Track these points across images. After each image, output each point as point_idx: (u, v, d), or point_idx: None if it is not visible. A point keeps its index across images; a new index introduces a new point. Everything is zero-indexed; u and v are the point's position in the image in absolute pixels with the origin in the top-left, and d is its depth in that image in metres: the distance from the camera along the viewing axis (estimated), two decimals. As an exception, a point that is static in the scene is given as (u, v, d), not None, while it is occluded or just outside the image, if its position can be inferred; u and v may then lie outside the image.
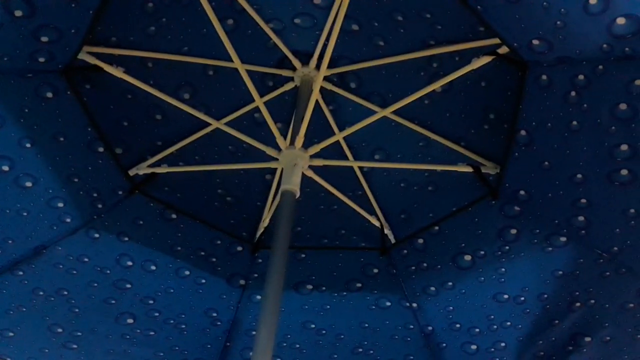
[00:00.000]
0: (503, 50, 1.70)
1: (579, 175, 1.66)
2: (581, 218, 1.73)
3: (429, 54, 1.88)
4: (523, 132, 1.76)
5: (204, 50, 1.94)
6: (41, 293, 1.88)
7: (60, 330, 1.91)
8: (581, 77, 1.52)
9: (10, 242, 1.80)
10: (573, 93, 1.56)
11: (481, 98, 1.91)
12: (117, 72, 1.82)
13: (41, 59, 1.66)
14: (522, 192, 1.86)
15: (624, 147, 1.53)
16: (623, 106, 1.48)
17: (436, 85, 1.79)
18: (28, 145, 1.74)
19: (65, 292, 1.91)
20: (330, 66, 1.91)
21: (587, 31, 1.38)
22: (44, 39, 1.60)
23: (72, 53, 1.73)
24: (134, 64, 1.91)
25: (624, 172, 1.57)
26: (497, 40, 1.70)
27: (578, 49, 1.46)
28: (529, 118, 1.72)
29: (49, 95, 1.75)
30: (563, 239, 1.81)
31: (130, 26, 1.84)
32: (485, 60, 1.72)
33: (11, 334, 1.85)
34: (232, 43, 1.71)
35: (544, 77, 1.62)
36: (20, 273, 1.85)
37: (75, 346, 1.93)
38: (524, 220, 1.88)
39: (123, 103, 1.95)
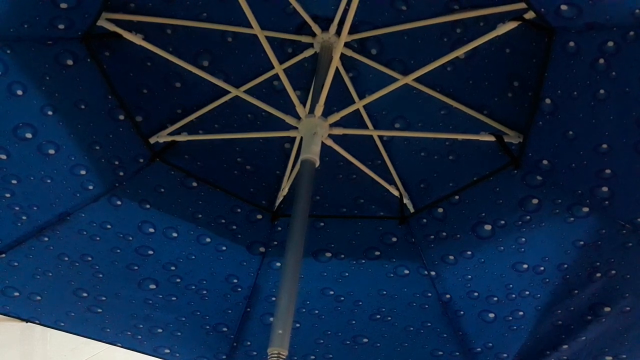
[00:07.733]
0: (529, 15, 1.64)
1: (604, 145, 1.62)
2: (605, 188, 1.70)
3: (453, 19, 1.83)
4: (548, 101, 1.72)
5: (223, 16, 1.91)
6: (66, 259, 1.92)
7: (85, 294, 1.95)
8: (610, 43, 1.47)
9: (35, 208, 1.84)
10: (601, 60, 1.51)
11: (505, 65, 1.86)
12: (136, 39, 1.81)
13: (60, 26, 1.66)
14: (544, 162, 1.83)
15: (653, 116, 1.49)
16: (654, 74, 1.43)
17: (460, 52, 1.75)
18: (50, 112, 1.75)
19: (90, 258, 1.95)
20: (351, 32, 1.87)
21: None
22: (63, 5, 1.59)
23: (91, 19, 1.72)
24: (152, 31, 1.89)
25: (652, 142, 1.53)
26: (523, 5, 1.64)
27: (608, 14, 1.40)
28: (554, 86, 1.68)
29: (69, 62, 1.75)
30: (585, 209, 1.79)
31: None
32: (510, 25, 1.67)
33: (38, 297, 1.90)
34: (251, 9, 1.69)
35: (572, 43, 1.57)
36: (46, 239, 1.89)
37: (100, 310, 1.98)
38: (546, 190, 1.86)
39: (142, 70, 1.95)
